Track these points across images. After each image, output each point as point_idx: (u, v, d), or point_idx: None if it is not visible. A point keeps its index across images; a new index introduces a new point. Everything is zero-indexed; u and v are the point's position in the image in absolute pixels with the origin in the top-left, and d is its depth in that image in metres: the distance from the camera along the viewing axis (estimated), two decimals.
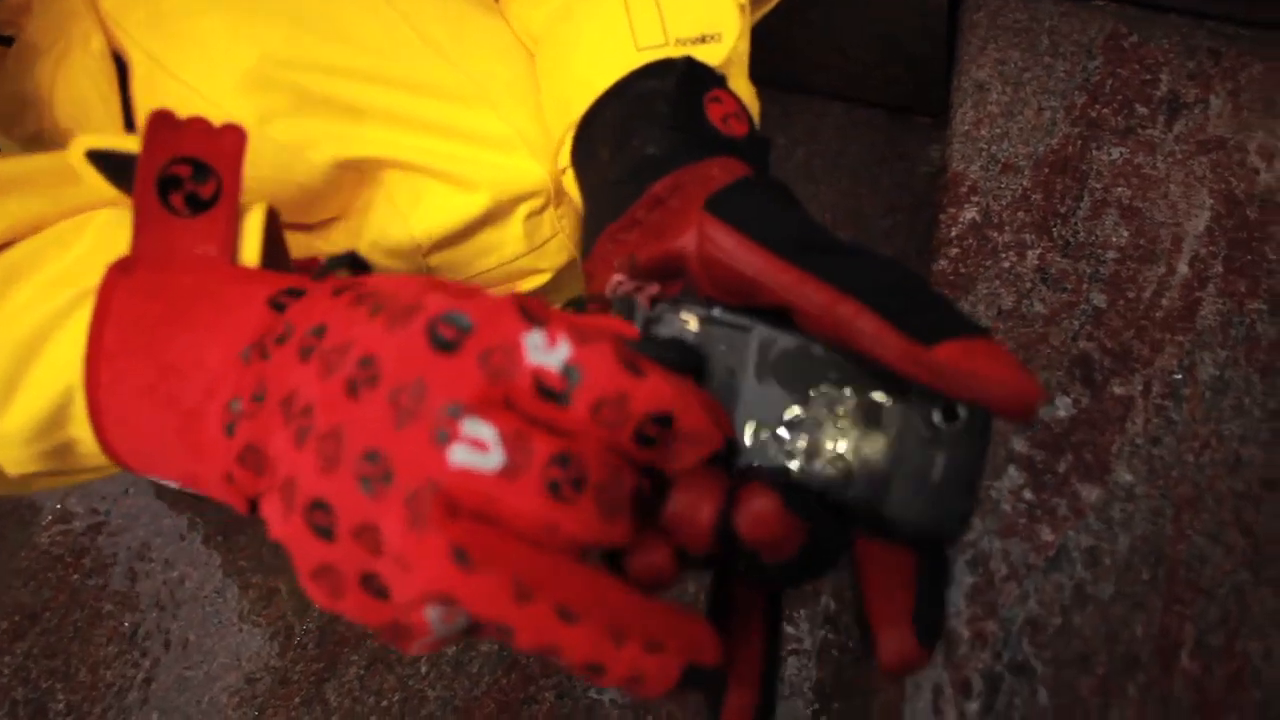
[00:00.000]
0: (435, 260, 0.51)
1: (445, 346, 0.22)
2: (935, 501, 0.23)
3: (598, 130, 0.41)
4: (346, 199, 0.49)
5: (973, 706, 0.45)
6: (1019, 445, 0.55)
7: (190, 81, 0.43)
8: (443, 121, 0.47)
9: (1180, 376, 0.59)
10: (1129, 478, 0.54)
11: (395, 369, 0.22)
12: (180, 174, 0.32)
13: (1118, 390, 0.58)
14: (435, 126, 0.47)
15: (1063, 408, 0.57)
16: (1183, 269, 0.66)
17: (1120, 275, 0.66)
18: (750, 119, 0.39)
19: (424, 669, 0.64)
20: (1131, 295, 0.65)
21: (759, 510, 0.23)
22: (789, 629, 0.63)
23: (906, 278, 0.25)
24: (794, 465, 0.25)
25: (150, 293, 0.31)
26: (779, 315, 0.26)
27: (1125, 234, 0.69)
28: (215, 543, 0.85)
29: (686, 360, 0.26)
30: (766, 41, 0.85)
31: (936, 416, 0.24)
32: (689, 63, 0.38)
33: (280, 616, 0.80)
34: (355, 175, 0.48)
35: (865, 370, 0.25)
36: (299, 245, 0.49)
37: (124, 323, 0.30)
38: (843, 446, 0.25)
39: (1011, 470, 0.54)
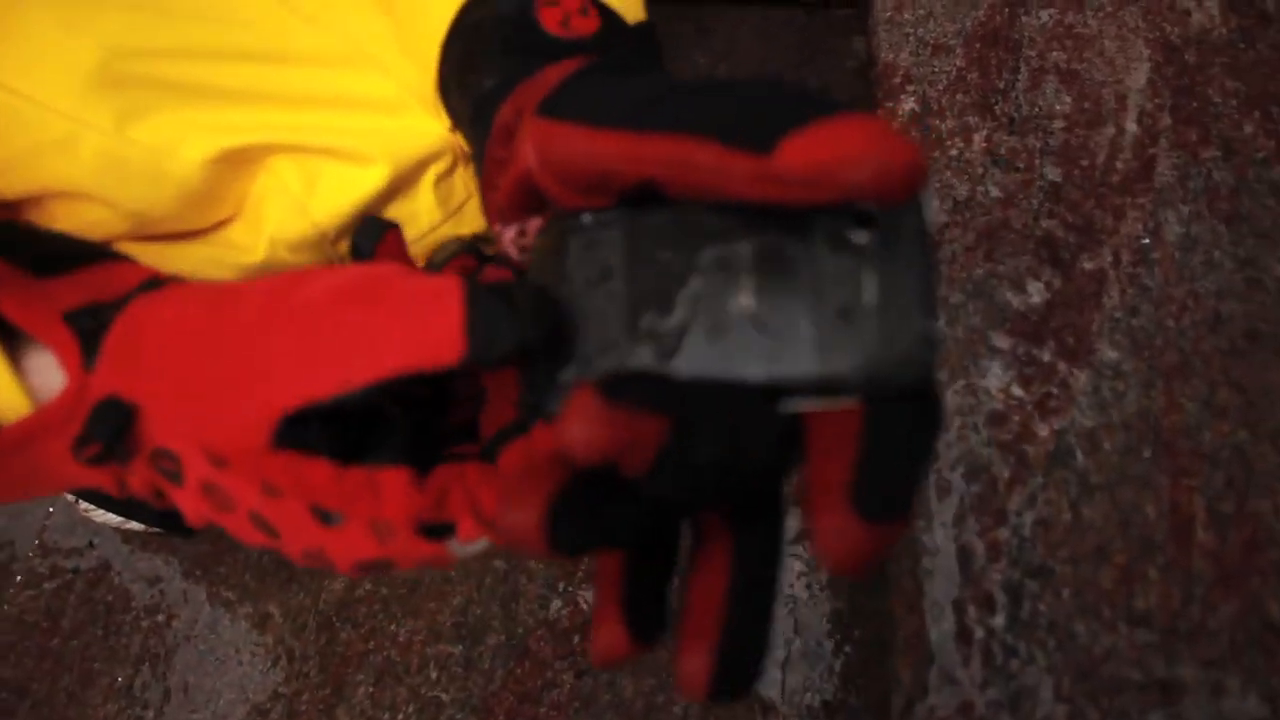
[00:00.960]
0: (345, 247, 0.47)
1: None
2: (880, 332, 0.19)
3: (449, 76, 0.38)
4: (236, 196, 0.45)
5: (998, 620, 0.44)
6: (999, 341, 0.53)
7: (28, 92, 0.38)
8: (322, 91, 0.43)
9: (1148, 240, 0.58)
10: (1114, 354, 0.52)
11: None
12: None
13: (1088, 266, 0.57)
14: (314, 98, 0.43)
15: (1036, 293, 0.56)
16: (1131, 127, 0.64)
17: (1070, 144, 0.64)
18: (602, 8, 0.35)
19: (434, 674, 0.62)
20: (1085, 163, 0.63)
21: (569, 413, 0.18)
22: (797, 561, 0.62)
23: (748, 90, 0.21)
24: (691, 351, 0.20)
25: None
26: (658, 199, 0.22)
27: (1068, 100, 0.67)
28: (195, 578, 0.82)
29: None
30: None
31: (851, 233, 0.20)
32: None
33: (279, 641, 0.77)
34: (239, 168, 0.43)
35: (757, 217, 0.21)
36: (193, 255, 0.45)
37: None
38: (748, 306, 0.20)
39: (995, 367, 0.52)
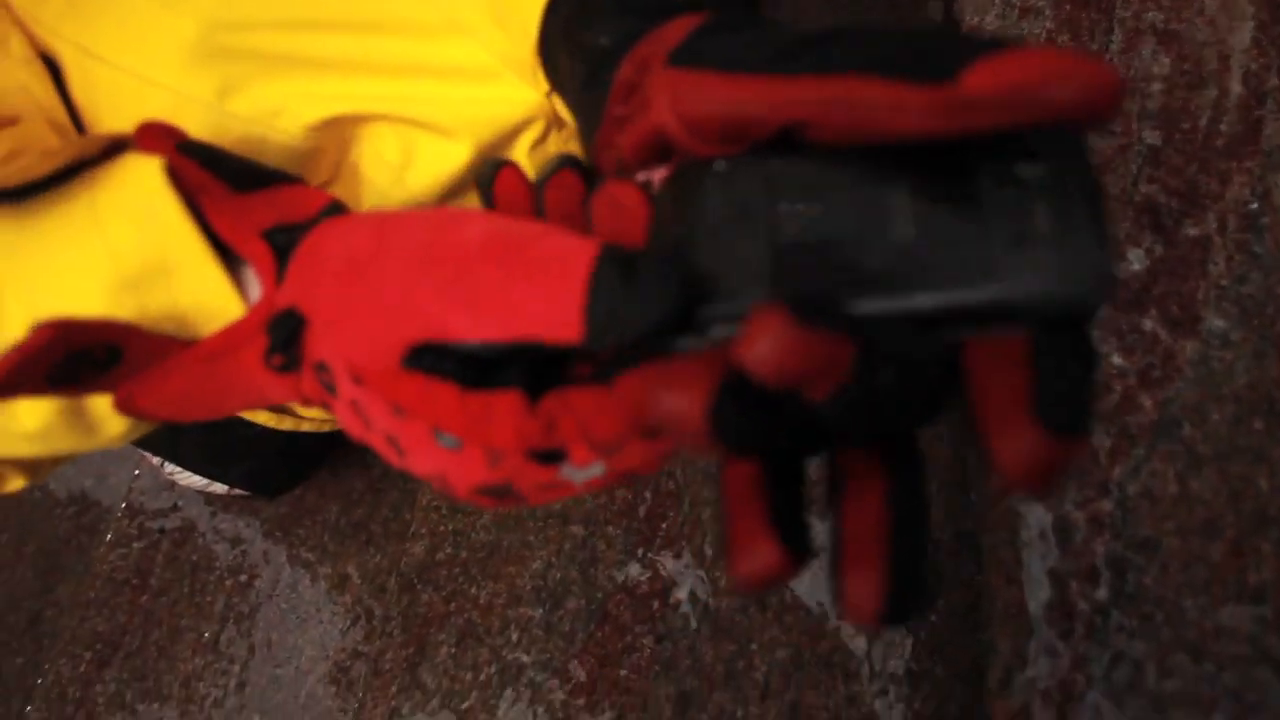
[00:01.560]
0: None
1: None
2: (1054, 261, 0.19)
3: (554, 39, 0.37)
4: (331, 164, 0.46)
5: (1101, 593, 0.43)
6: (1101, 310, 0.52)
7: (132, 67, 0.39)
8: (417, 60, 0.43)
9: (1256, 205, 0.55)
10: (1221, 323, 0.50)
11: None
12: None
13: (1191, 232, 0.55)
14: (410, 67, 0.43)
15: (1136, 260, 0.54)
16: (1236, 89, 0.62)
17: (1170, 107, 0.61)
18: None
19: (515, 636, 0.63)
20: (1187, 127, 0.60)
21: (756, 328, 0.18)
22: None
23: (899, 33, 0.21)
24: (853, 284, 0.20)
25: None
26: (795, 147, 0.22)
27: (1167, 61, 0.64)
28: (276, 539, 0.84)
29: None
30: None
31: (1018, 167, 0.20)
32: None
33: (357, 601, 0.79)
34: (336, 137, 0.44)
35: (909, 157, 0.21)
36: None
37: None
38: (909, 235, 0.20)
39: (1096, 335, 0.51)
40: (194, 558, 0.85)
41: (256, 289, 0.30)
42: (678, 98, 0.24)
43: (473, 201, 0.48)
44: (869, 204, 0.21)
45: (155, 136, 0.29)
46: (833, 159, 0.22)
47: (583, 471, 0.25)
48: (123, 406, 0.29)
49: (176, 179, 0.29)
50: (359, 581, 0.80)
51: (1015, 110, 0.17)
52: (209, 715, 0.77)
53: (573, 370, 0.25)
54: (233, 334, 0.28)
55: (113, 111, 0.40)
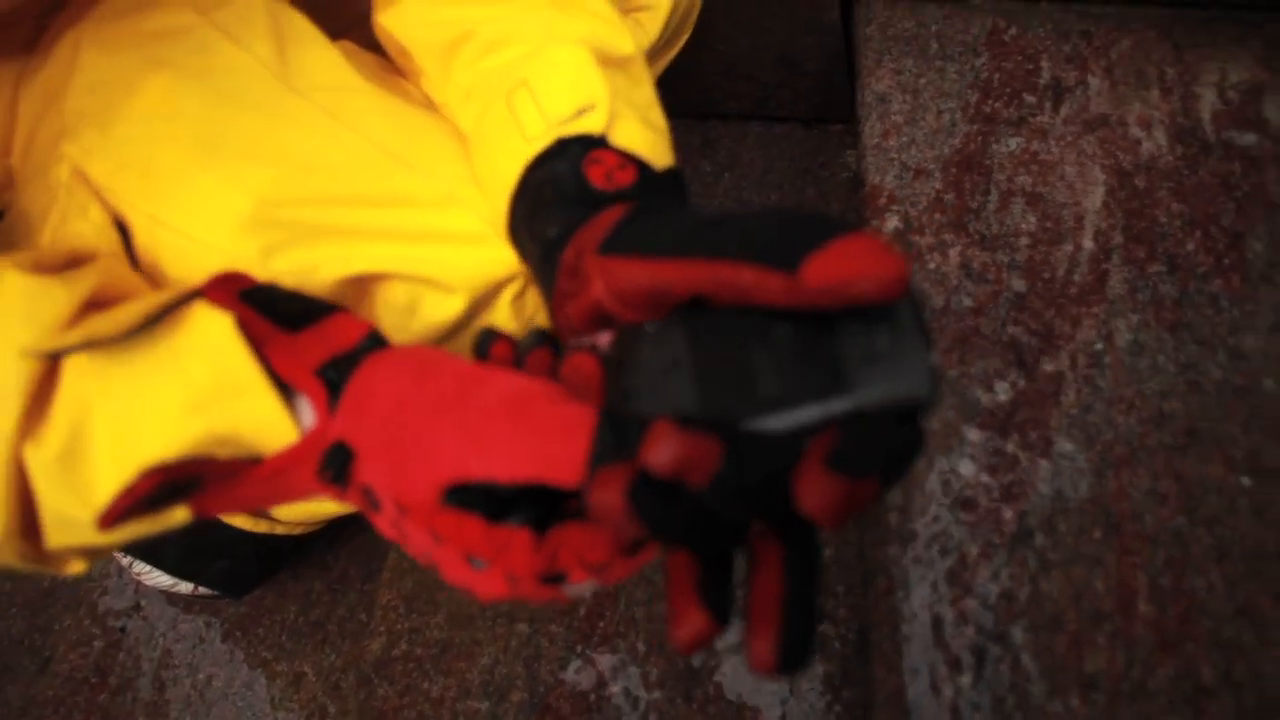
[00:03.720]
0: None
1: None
2: (893, 372, 0.25)
3: (517, 225, 0.46)
4: (354, 308, 0.54)
5: (965, 680, 0.50)
6: (970, 434, 0.61)
7: (193, 234, 0.47)
8: (421, 228, 0.51)
9: (1101, 346, 0.66)
10: (1070, 446, 0.60)
11: None
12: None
13: (1048, 368, 0.65)
14: (415, 234, 0.51)
15: (1003, 392, 0.64)
16: (1088, 244, 0.73)
17: (1034, 259, 0.73)
18: (637, 163, 0.43)
19: None
20: (1047, 276, 0.71)
21: (652, 437, 0.26)
22: None
23: (771, 217, 0.28)
24: (755, 406, 0.27)
25: None
26: (704, 308, 0.30)
27: (1033, 219, 0.76)
28: (235, 639, 0.88)
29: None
30: (678, 79, 0.90)
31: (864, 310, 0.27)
32: (561, 143, 0.44)
33: (312, 699, 0.83)
34: (357, 289, 0.52)
35: (782, 310, 0.28)
36: None
37: None
38: (791, 366, 0.27)
39: (967, 459, 0.60)
40: (154, 655, 0.88)
41: (309, 414, 0.37)
42: (608, 279, 0.32)
43: (465, 342, 0.56)
44: (761, 346, 0.28)
45: (223, 287, 0.37)
46: (734, 313, 0.29)
47: (579, 587, 0.32)
48: (196, 512, 0.36)
49: (243, 328, 0.37)
50: (314, 679, 0.84)
51: (837, 297, 0.25)
52: None
53: (568, 503, 0.33)
54: (292, 456, 0.36)
55: (173, 266, 0.48)
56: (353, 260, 0.49)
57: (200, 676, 0.86)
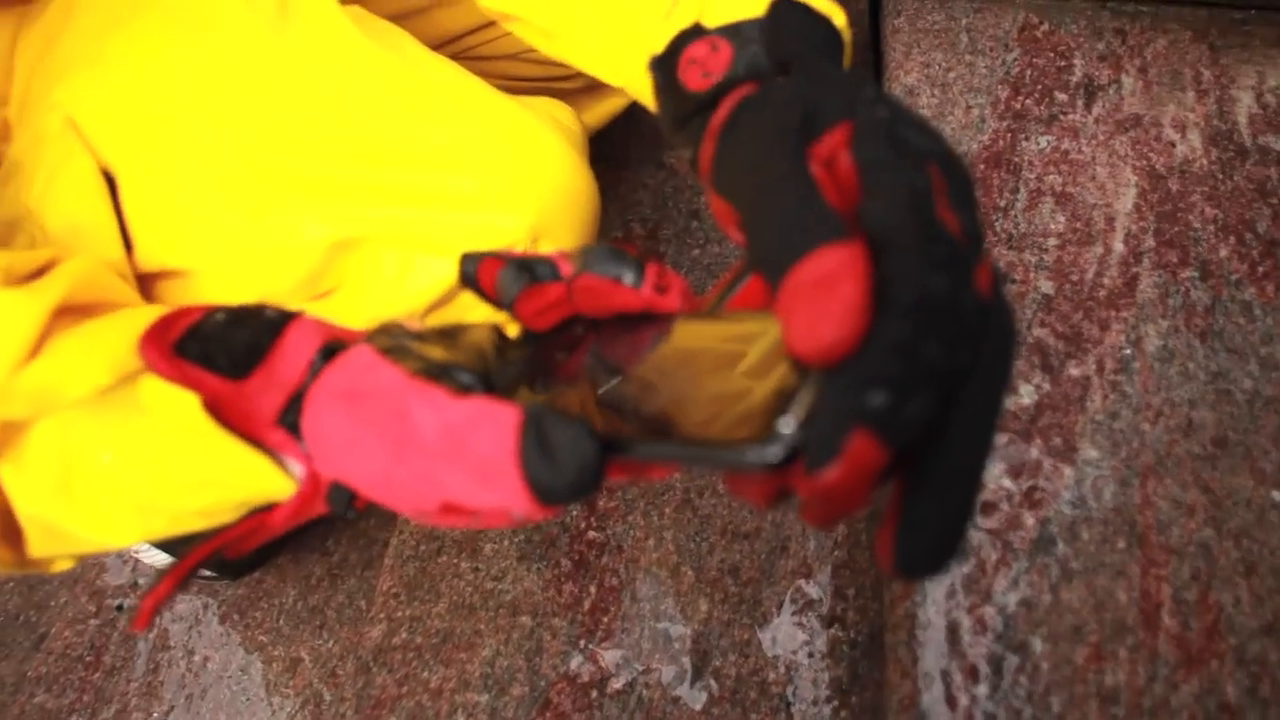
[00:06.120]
0: (431, 319, 0.54)
1: None
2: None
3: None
4: (341, 272, 0.52)
5: (981, 689, 0.49)
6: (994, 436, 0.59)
7: (181, 188, 0.46)
8: (414, 189, 0.50)
9: (1129, 351, 0.64)
10: (1095, 454, 0.58)
11: None
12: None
13: (1074, 372, 0.63)
14: (409, 196, 0.50)
15: (1027, 395, 0.62)
16: (1118, 247, 0.71)
17: (1063, 260, 0.71)
18: (730, 35, 0.38)
19: None
20: (1075, 279, 0.69)
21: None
22: (800, 630, 0.67)
23: (795, 200, 0.26)
24: None
25: None
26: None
27: (1062, 220, 0.74)
28: (232, 621, 0.87)
29: None
30: None
31: None
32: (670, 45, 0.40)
33: (307, 685, 0.82)
34: (344, 256, 0.50)
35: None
36: None
37: None
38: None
39: (988, 461, 0.58)
40: (149, 636, 0.87)
41: (293, 461, 0.36)
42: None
43: (461, 308, 0.55)
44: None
45: (157, 346, 0.34)
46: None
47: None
48: (231, 553, 0.35)
49: (191, 388, 0.35)
50: (311, 666, 0.82)
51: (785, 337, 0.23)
52: None
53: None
54: (301, 501, 0.34)
55: (161, 222, 0.47)
56: (341, 220, 0.47)
57: (196, 659, 0.85)
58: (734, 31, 0.38)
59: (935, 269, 0.23)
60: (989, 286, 0.25)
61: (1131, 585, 0.52)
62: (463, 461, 0.28)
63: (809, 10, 0.39)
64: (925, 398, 0.22)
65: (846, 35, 0.40)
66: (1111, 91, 0.84)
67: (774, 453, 0.23)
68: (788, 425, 0.23)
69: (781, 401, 0.24)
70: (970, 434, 0.24)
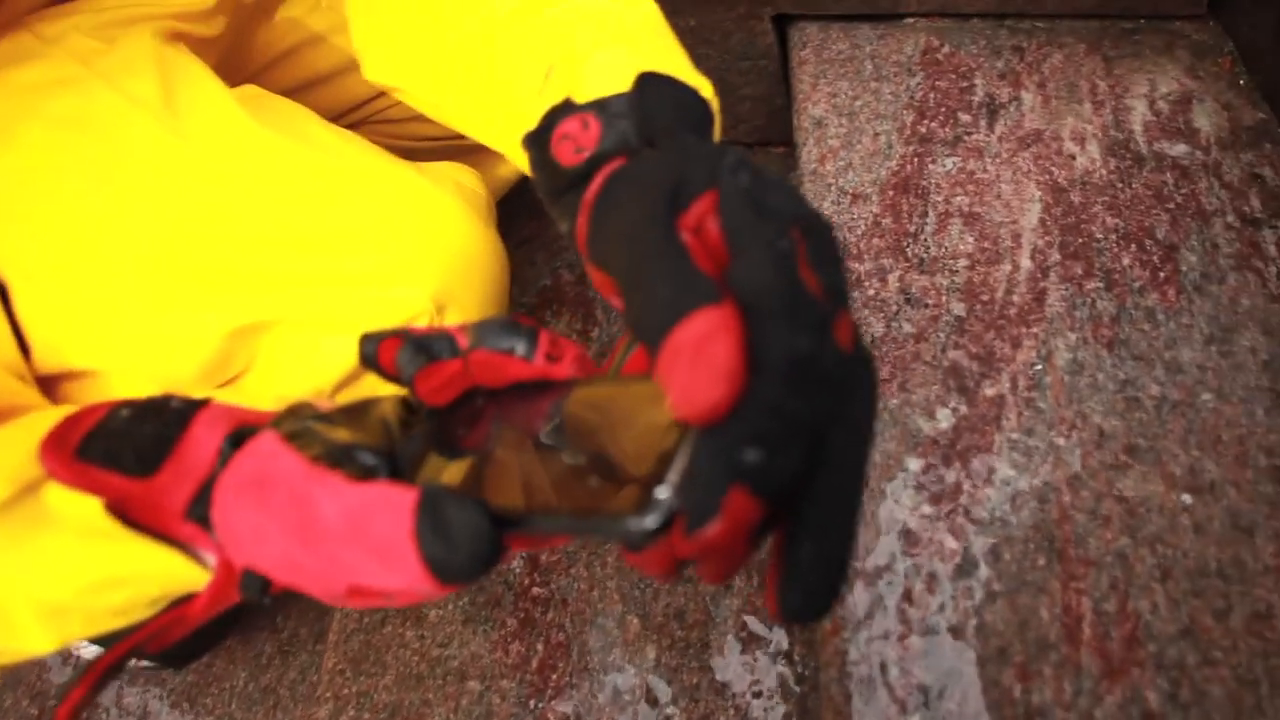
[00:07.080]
0: (340, 397, 0.54)
1: None
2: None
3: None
4: (248, 356, 0.52)
5: (914, 718, 0.49)
6: (912, 464, 0.60)
7: (76, 289, 0.45)
8: (315, 271, 0.50)
9: (1040, 366, 0.65)
10: (1012, 472, 0.59)
11: None
12: None
13: (989, 392, 0.64)
14: (309, 277, 0.50)
15: (944, 419, 0.63)
16: (1026, 263, 0.73)
17: (973, 281, 0.72)
18: (597, 110, 0.39)
19: None
20: (986, 298, 0.71)
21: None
22: (749, 674, 0.67)
23: (667, 264, 0.26)
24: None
25: None
26: None
27: (970, 240, 0.75)
28: (182, 710, 0.85)
29: None
30: None
31: None
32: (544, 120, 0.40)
33: None
34: (246, 343, 0.50)
35: None
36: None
37: None
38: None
39: (909, 489, 0.59)
40: None
41: (205, 552, 0.36)
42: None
43: (371, 384, 0.55)
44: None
45: (58, 453, 0.34)
46: None
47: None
48: (152, 648, 0.35)
49: (97, 492, 0.35)
50: None
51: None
52: None
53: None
54: (216, 589, 0.34)
55: (54, 326, 0.46)
56: (242, 308, 0.47)
57: None
58: (602, 107, 0.39)
59: (798, 331, 0.24)
60: (849, 340, 0.26)
61: (1053, 601, 0.53)
62: (363, 545, 0.29)
63: (675, 83, 0.40)
64: (795, 451, 0.23)
65: (715, 105, 0.41)
66: (1012, 109, 0.86)
67: (651, 520, 0.24)
68: (664, 492, 0.24)
69: (660, 467, 0.25)
70: (841, 481, 0.25)
